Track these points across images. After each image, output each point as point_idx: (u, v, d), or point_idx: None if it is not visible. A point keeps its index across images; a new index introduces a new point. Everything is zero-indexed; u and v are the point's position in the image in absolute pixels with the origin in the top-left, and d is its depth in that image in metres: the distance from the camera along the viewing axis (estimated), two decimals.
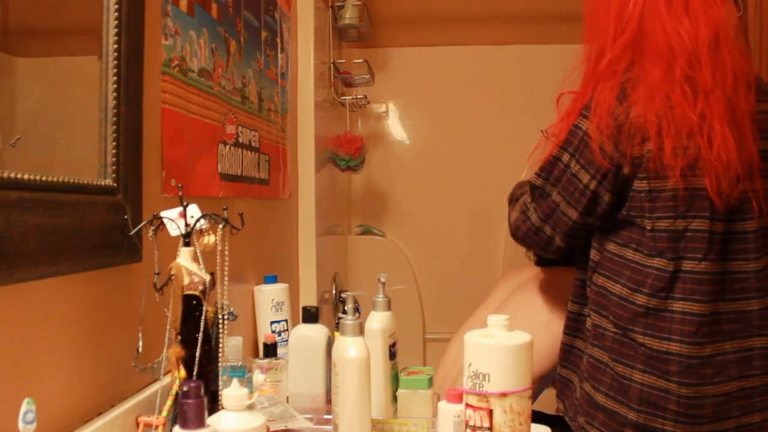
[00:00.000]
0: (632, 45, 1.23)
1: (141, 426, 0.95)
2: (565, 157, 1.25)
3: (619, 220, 1.24)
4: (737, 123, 1.18)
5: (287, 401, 1.25)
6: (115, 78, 0.97)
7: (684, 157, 1.15)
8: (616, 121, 1.18)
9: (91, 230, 0.91)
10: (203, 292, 0.93)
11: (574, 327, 1.36)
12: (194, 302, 0.92)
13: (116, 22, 0.97)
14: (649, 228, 1.19)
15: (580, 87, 1.31)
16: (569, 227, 1.27)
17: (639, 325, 1.19)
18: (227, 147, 1.47)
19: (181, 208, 0.95)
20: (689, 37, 1.20)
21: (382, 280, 1.20)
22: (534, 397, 1.29)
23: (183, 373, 0.92)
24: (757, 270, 1.21)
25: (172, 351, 0.91)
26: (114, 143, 0.97)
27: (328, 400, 1.23)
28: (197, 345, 0.91)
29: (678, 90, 1.17)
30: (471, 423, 0.88)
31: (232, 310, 0.98)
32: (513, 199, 1.46)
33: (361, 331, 1.04)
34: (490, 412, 0.87)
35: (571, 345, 1.36)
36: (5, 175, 0.74)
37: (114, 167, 0.97)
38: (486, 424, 0.87)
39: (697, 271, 1.18)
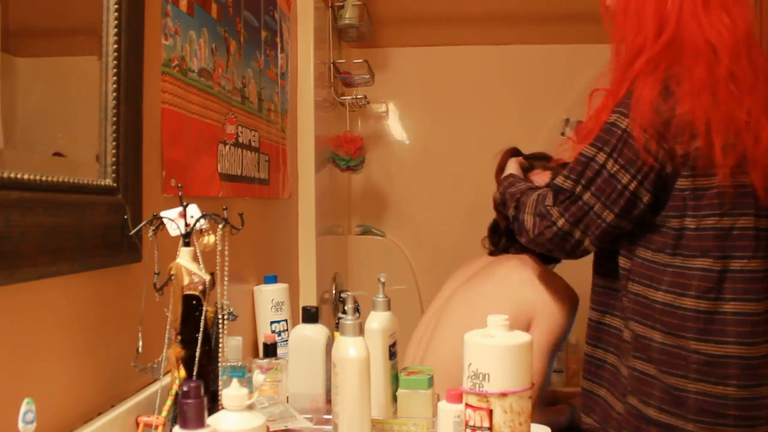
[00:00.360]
0: (672, 43, 1.21)
1: (141, 426, 0.95)
2: (601, 157, 1.21)
3: (653, 223, 1.21)
4: None
5: (287, 401, 1.25)
6: (115, 78, 0.97)
7: (733, 154, 1.14)
8: (662, 118, 1.16)
9: (91, 230, 0.91)
10: (203, 292, 0.93)
11: (595, 336, 1.32)
12: (194, 302, 0.92)
13: (116, 22, 0.97)
14: (693, 227, 1.17)
15: (612, 85, 1.27)
16: (603, 230, 1.22)
17: (690, 331, 1.16)
18: (227, 147, 1.47)
19: (181, 208, 0.95)
20: (729, 34, 1.18)
21: (382, 280, 1.20)
22: None
23: (183, 373, 0.92)
24: None
25: (172, 351, 0.91)
26: (114, 143, 0.97)
27: (328, 400, 1.23)
28: (197, 345, 0.91)
29: (723, 87, 1.15)
30: (471, 423, 0.88)
31: (232, 310, 0.98)
32: (510, 199, 1.41)
33: (361, 331, 1.04)
34: (490, 412, 0.87)
35: (592, 355, 1.33)
36: (5, 175, 0.74)
37: (114, 167, 0.97)
38: (486, 424, 0.87)
39: (747, 270, 1.16)
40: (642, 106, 1.17)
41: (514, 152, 1.80)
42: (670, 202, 1.18)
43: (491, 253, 1.78)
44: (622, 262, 1.25)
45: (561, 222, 1.24)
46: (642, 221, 1.22)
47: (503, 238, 1.74)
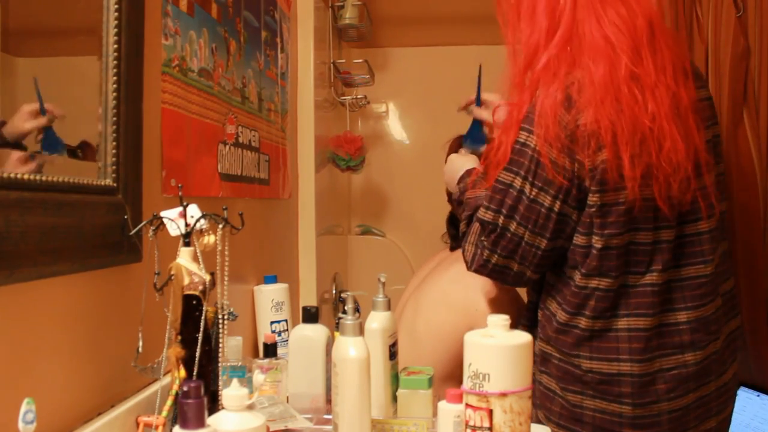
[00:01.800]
0: (569, 41, 1.12)
1: (141, 426, 0.95)
2: (517, 182, 1.12)
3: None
4: (682, 117, 1.09)
5: (287, 401, 1.25)
6: (115, 78, 0.97)
7: (639, 165, 1.06)
8: (566, 131, 1.07)
9: (91, 230, 0.91)
10: (203, 292, 0.93)
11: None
12: (194, 302, 0.92)
13: (116, 22, 0.97)
14: (599, 246, 1.09)
15: (514, 95, 1.18)
16: (540, 257, 1.14)
17: (584, 350, 1.12)
18: (227, 147, 1.47)
19: (181, 208, 0.95)
20: (627, 29, 1.09)
21: (382, 280, 1.20)
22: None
23: (183, 373, 0.92)
24: (710, 273, 1.14)
25: (172, 351, 0.91)
26: (114, 143, 0.97)
27: (328, 400, 1.23)
28: (197, 345, 0.91)
29: (626, 90, 1.07)
30: (471, 423, 0.88)
31: (232, 310, 0.98)
32: (464, 208, 1.30)
33: (361, 331, 1.04)
34: (490, 412, 0.87)
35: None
36: (5, 175, 0.74)
37: (114, 167, 0.97)
38: (486, 424, 0.87)
39: (641, 284, 1.10)
40: (545, 121, 1.08)
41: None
42: (581, 218, 1.11)
43: (452, 249, 1.75)
44: (549, 277, 1.20)
45: (495, 258, 1.17)
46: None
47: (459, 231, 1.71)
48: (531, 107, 1.12)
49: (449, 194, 1.53)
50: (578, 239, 1.12)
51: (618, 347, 1.11)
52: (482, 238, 1.19)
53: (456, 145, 1.78)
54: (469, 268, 1.25)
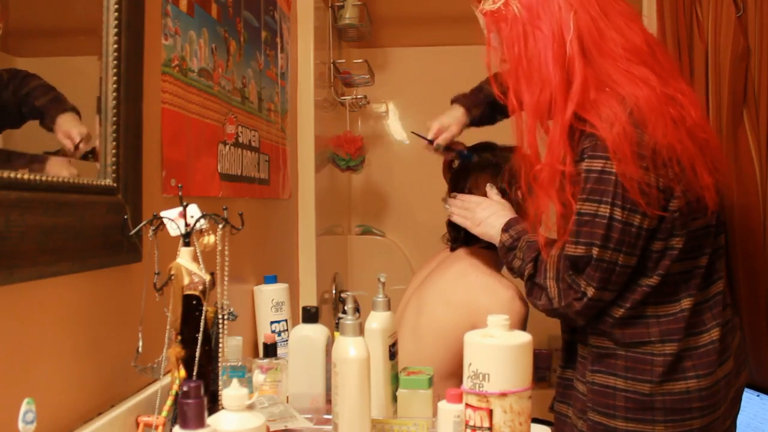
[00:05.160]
0: (589, 85, 1.14)
1: (141, 426, 0.95)
2: (604, 210, 1.12)
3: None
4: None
5: (287, 401, 1.25)
6: (115, 78, 0.97)
7: (710, 174, 1.14)
8: (647, 150, 1.10)
9: (91, 230, 0.91)
10: (203, 292, 0.93)
11: (565, 357, 1.34)
12: (194, 302, 0.92)
13: (116, 22, 0.97)
14: (680, 247, 1.17)
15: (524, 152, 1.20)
16: (628, 276, 1.17)
17: (654, 335, 1.18)
18: (227, 147, 1.47)
19: (181, 208, 0.95)
20: (636, 56, 1.14)
21: (382, 280, 1.20)
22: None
23: (183, 373, 0.92)
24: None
25: (172, 351, 0.91)
26: (114, 143, 0.97)
27: (328, 400, 1.23)
28: (197, 345, 0.91)
29: (670, 106, 1.12)
30: (471, 423, 0.88)
31: (232, 310, 0.98)
32: (525, 250, 1.29)
33: (361, 331, 1.04)
34: (490, 412, 0.87)
35: (562, 376, 1.34)
36: (5, 175, 0.74)
37: (114, 167, 0.97)
38: (486, 424, 0.87)
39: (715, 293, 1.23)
40: (622, 146, 1.09)
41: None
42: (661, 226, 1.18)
43: (452, 249, 1.75)
44: None
45: (591, 292, 1.15)
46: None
47: (462, 232, 1.72)
48: (590, 137, 1.13)
49: (501, 246, 1.42)
50: (657, 244, 1.16)
51: (676, 328, 1.17)
52: (571, 281, 1.17)
53: (449, 159, 1.79)
54: (550, 306, 1.21)
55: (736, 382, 1.26)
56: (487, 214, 1.46)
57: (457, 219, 1.54)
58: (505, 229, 1.37)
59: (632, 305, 1.17)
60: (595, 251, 1.13)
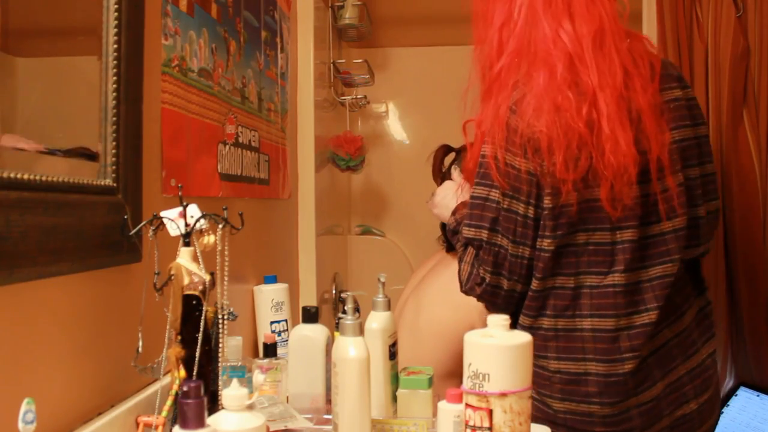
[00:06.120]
0: (520, 53, 1.15)
1: (141, 426, 0.95)
2: (494, 194, 1.14)
3: None
4: (633, 121, 1.10)
5: (287, 401, 1.25)
6: (115, 78, 0.97)
7: (575, 169, 1.08)
8: (520, 137, 1.11)
9: (91, 230, 0.91)
10: (203, 292, 0.93)
11: None
12: (194, 302, 0.92)
13: (116, 22, 0.97)
14: (552, 248, 1.12)
15: (479, 107, 1.20)
16: (526, 267, 1.15)
17: (551, 351, 1.14)
18: (227, 147, 1.47)
19: (180, 208, 0.95)
20: (570, 39, 1.12)
21: (382, 280, 1.20)
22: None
23: (183, 373, 0.92)
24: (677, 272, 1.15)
25: (172, 351, 0.91)
26: (114, 143, 0.97)
27: (328, 400, 1.23)
28: (197, 345, 0.91)
29: (562, 96, 1.10)
30: (471, 423, 0.88)
31: (232, 310, 0.98)
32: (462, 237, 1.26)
33: (361, 331, 1.04)
34: (490, 412, 0.87)
35: None
36: (5, 175, 0.74)
37: (114, 167, 0.97)
38: (486, 424, 0.87)
39: (603, 285, 1.12)
40: (497, 128, 1.12)
41: (447, 150, 1.79)
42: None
43: (447, 250, 1.76)
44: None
45: (489, 277, 1.17)
46: None
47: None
48: (489, 119, 1.15)
49: (447, 227, 1.49)
50: (538, 242, 1.13)
51: (584, 347, 1.13)
52: (474, 257, 1.18)
53: (441, 155, 1.79)
54: (462, 288, 1.23)
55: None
56: (441, 196, 1.50)
57: (428, 204, 1.57)
58: (453, 212, 1.39)
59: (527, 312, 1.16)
60: (484, 234, 1.14)
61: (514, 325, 1.22)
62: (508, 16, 1.16)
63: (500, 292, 1.17)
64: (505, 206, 1.13)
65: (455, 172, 1.55)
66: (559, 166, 1.08)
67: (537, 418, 1.13)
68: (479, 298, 1.21)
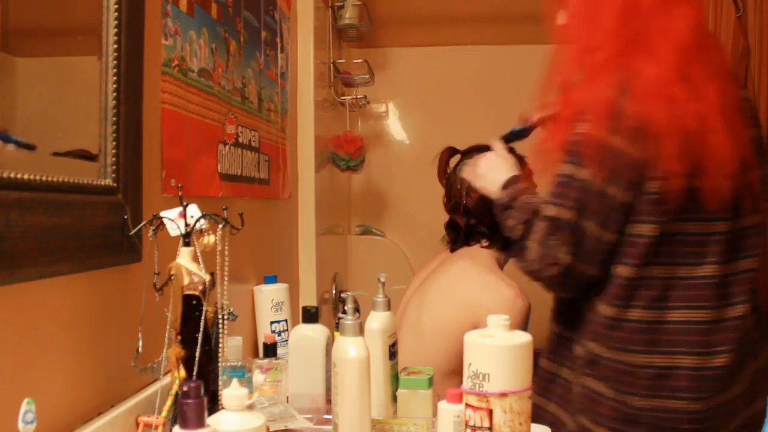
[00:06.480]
0: (632, 42, 1.15)
1: (141, 426, 0.95)
2: (583, 174, 1.10)
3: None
4: (728, 116, 1.12)
5: (287, 401, 1.25)
6: (115, 78, 0.97)
7: (684, 159, 1.09)
8: (624, 118, 1.10)
9: (91, 230, 0.91)
10: (203, 292, 0.93)
11: (553, 349, 1.27)
12: (194, 302, 0.92)
13: (116, 22, 0.97)
14: (656, 234, 1.10)
15: (574, 87, 1.20)
16: (604, 252, 1.12)
17: (638, 344, 1.12)
18: (227, 147, 1.47)
19: (180, 208, 0.95)
20: (680, 32, 1.13)
21: (382, 280, 1.20)
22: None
23: (183, 373, 0.92)
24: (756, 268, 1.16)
25: (172, 351, 0.91)
26: (114, 143, 0.97)
27: (328, 400, 1.23)
28: (197, 345, 0.91)
29: (675, 87, 1.10)
30: (471, 423, 0.88)
31: (232, 310, 0.98)
32: (520, 210, 1.22)
33: (361, 331, 1.04)
34: (490, 412, 0.87)
35: (546, 369, 1.27)
36: (5, 175, 0.74)
37: (114, 167, 0.97)
38: (486, 424, 0.87)
39: (693, 277, 1.12)
40: (602, 109, 1.11)
41: (452, 152, 1.78)
42: (639, 207, 1.12)
43: (451, 250, 1.75)
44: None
45: (563, 256, 1.12)
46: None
47: (461, 234, 1.71)
48: (587, 101, 1.14)
49: (497, 204, 1.36)
50: (632, 228, 1.12)
51: (673, 339, 1.11)
52: (549, 236, 1.12)
53: (446, 157, 1.78)
54: (534, 267, 1.15)
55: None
56: (489, 167, 1.40)
57: (464, 171, 1.53)
58: (505, 186, 1.32)
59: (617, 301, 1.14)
60: (567, 214, 1.10)
61: (572, 313, 1.22)
62: (623, 5, 1.16)
63: (575, 275, 1.13)
64: (597, 188, 1.10)
65: (497, 145, 1.45)
66: (669, 155, 1.07)
67: (611, 418, 1.11)
68: (549, 279, 1.15)
